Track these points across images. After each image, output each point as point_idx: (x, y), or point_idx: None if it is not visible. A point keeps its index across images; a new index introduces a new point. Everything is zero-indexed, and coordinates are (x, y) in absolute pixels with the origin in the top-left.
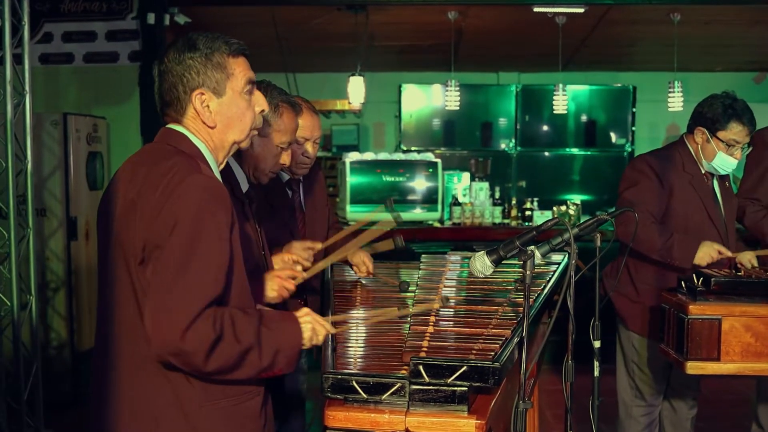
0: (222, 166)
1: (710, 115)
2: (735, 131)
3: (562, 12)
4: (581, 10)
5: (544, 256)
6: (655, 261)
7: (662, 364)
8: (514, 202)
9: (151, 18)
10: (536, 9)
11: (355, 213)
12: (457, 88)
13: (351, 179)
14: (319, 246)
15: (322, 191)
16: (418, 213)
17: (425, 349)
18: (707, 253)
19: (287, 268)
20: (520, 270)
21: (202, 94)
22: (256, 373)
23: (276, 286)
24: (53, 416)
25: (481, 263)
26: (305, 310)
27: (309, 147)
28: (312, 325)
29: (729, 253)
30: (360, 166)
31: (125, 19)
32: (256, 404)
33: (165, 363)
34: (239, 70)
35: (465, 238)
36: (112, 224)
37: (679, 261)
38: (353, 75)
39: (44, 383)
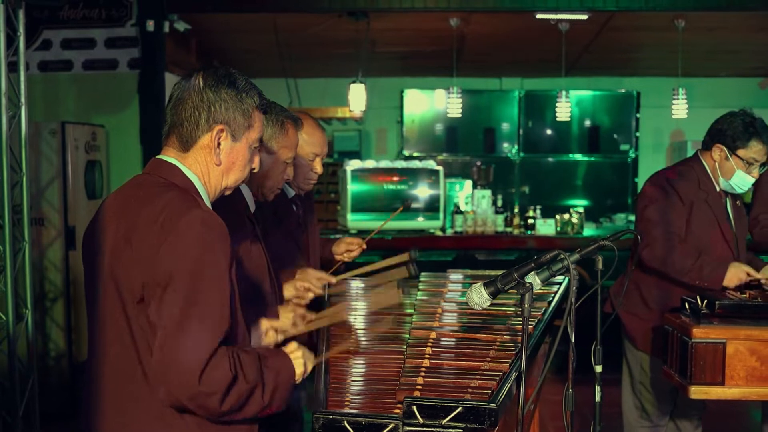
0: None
1: (730, 133)
2: (755, 150)
3: (565, 19)
4: (584, 17)
5: (544, 282)
6: (672, 281)
7: (671, 385)
8: (516, 210)
9: (150, 25)
10: (539, 16)
11: (356, 221)
12: (459, 95)
13: (352, 187)
14: (333, 280)
15: (314, 210)
16: (419, 221)
17: (420, 386)
18: (736, 274)
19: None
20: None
21: (222, 131)
22: (257, 411)
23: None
24: (51, 428)
25: (478, 296)
26: (293, 344)
27: (318, 162)
28: (303, 360)
29: (757, 275)
30: (361, 174)
31: (124, 26)
32: None
33: (177, 407)
34: (258, 125)
35: (467, 246)
36: (103, 259)
37: (709, 282)
38: (354, 82)
39: (42, 394)
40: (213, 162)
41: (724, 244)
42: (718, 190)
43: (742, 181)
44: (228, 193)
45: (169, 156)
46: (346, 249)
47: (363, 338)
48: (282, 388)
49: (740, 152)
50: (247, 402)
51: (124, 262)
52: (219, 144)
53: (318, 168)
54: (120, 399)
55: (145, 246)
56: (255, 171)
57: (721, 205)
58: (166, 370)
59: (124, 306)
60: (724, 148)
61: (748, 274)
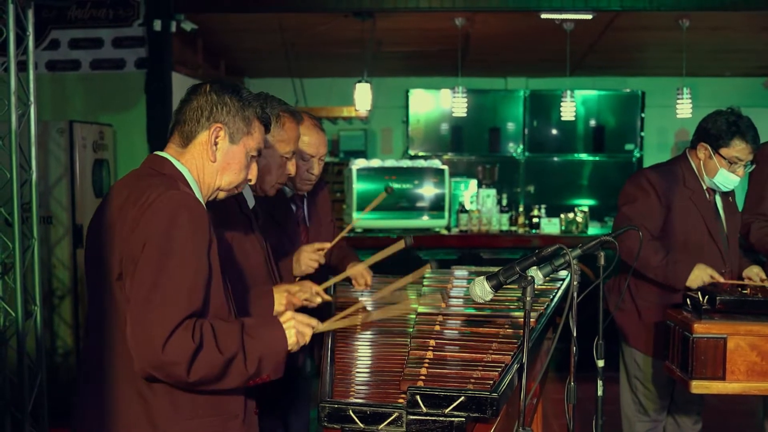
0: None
1: (714, 132)
2: (738, 149)
3: (570, 18)
4: (589, 17)
5: (546, 277)
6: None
7: (665, 381)
8: (521, 209)
9: (157, 25)
10: (544, 16)
11: (361, 220)
12: (464, 95)
13: (357, 186)
14: (327, 245)
15: (326, 207)
16: (424, 220)
17: (423, 377)
18: (699, 276)
19: (304, 289)
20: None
21: (220, 129)
22: (244, 381)
23: (284, 300)
24: (59, 425)
25: (481, 289)
26: (288, 313)
27: (314, 164)
28: (296, 329)
29: (721, 279)
30: (366, 173)
31: (132, 26)
32: (235, 426)
33: (149, 377)
34: (257, 135)
35: (472, 245)
36: (95, 246)
37: (672, 281)
38: (359, 82)
39: (50, 391)
40: (209, 158)
41: (712, 243)
42: (704, 188)
43: (725, 179)
44: (222, 196)
45: (166, 152)
46: (355, 276)
47: (369, 330)
48: (271, 357)
49: (723, 151)
50: (227, 372)
51: (108, 242)
52: (216, 142)
53: (314, 169)
54: (107, 375)
55: (126, 224)
56: (251, 182)
57: (708, 203)
58: (135, 341)
59: (110, 284)
60: (708, 147)
61: (712, 277)
